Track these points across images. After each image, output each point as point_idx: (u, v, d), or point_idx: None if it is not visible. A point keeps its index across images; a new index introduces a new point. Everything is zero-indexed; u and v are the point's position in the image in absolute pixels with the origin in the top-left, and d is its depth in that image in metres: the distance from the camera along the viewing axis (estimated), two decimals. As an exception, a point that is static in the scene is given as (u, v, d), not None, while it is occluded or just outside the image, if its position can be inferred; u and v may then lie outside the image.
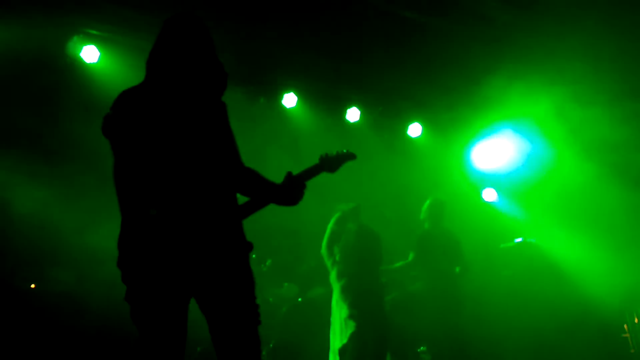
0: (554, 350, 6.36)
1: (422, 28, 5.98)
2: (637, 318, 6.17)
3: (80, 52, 5.51)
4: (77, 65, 5.59)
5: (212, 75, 2.50)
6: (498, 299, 7.01)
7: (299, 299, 6.27)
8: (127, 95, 2.43)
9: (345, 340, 5.04)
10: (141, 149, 2.32)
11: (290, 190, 2.62)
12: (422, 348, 6.48)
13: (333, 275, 5.31)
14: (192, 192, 2.32)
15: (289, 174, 2.66)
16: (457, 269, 5.84)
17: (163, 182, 2.30)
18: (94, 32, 5.60)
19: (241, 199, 2.60)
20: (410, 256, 5.90)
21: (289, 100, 6.62)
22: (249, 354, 2.36)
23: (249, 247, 2.46)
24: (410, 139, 7.70)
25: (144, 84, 2.51)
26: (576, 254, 6.75)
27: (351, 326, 5.05)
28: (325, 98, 6.94)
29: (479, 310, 6.87)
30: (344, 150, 2.94)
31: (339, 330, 5.16)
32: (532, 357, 6.44)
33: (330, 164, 2.88)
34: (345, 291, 5.16)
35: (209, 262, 2.32)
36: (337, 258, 5.30)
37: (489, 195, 8.07)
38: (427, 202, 6.12)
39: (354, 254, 5.25)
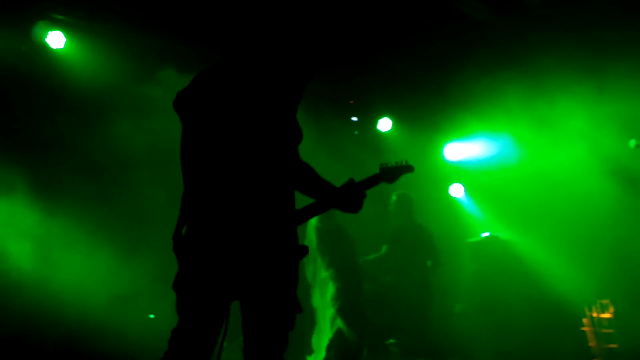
0: (518, 343, 6.49)
1: (394, 24, 5.98)
2: (597, 312, 6.33)
3: (45, 37, 5.36)
4: (43, 51, 5.44)
5: (297, 63, 2.43)
6: (465, 293, 7.12)
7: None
8: (207, 73, 2.35)
9: (331, 335, 5.09)
10: (212, 133, 2.25)
11: (353, 198, 2.61)
12: (391, 340, 6.55)
13: (325, 274, 5.32)
14: (256, 190, 2.28)
15: (351, 181, 2.65)
16: (429, 263, 5.91)
17: (228, 175, 2.26)
18: (60, 17, 5.45)
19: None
20: (383, 249, 5.95)
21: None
22: (274, 355, 2.41)
23: (304, 252, 2.45)
24: (380, 134, 7.73)
25: (227, 61, 2.41)
26: (542, 248, 6.88)
27: (338, 324, 5.13)
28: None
29: (448, 303, 6.98)
30: (403, 162, 2.94)
31: (325, 328, 5.20)
32: (498, 349, 6.57)
33: (390, 174, 2.88)
34: (339, 292, 5.21)
35: (261, 266, 2.31)
36: (329, 258, 5.34)
37: (456, 190, 8.17)
38: (394, 198, 6.17)
39: (347, 255, 5.32)
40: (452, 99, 7.11)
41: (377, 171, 2.88)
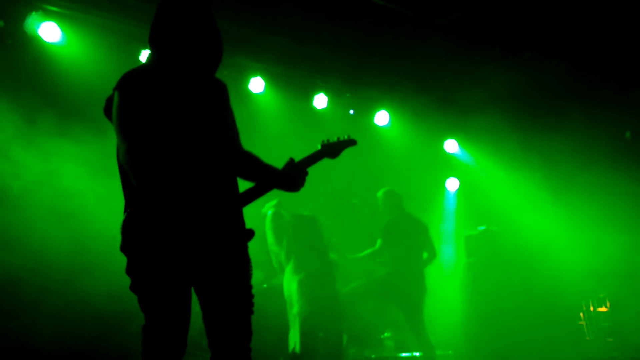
0: (514, 336, 6.49)
1: (390, 16, 5.94)
2: (593, 306, 6.34)
3: (38, 29, 5.25)
4: (36, 44, 5.38)
5: (208, 48, 2.47)
6: (461, 286, 7.12)
7: (264, 285, 6.26)
8: (131, 76, 2.40)
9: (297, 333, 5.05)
10: (146, 132, 2.30)
11: (293, 177, 2.60)
12: (386, 334, 6.54)
13: (290, 267, 5.28)
14: (196, 179, 2.34)
15: (291, 160, 2.64)
16: (425, 255, 5.90)
17: (168, 168, 2.30)
18: (55, 8, 5.38)
19: (242, 185, 2.58)
20: (378, 243, 5.93)
21: (256, 85, 6.53)
22: (239, 343, 2.41)
23: (250, 235, 2.47)
24: (376, 127, 7.71)
25: (147, 63, 2.49)
26: (539, 241, 6.88)
27: (299, 322, 5.01)
28: (293, 84, 6.88)
29: (444, 296, 6.98)
30: (345, 136, 2.87)
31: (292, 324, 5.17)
32: (492, 342, 6.56)
33: (331, 150, 2.81)
34: (302, 284, 5.11)
35: (209, 251, 2.34)
36: (290, 250, 5.29)
37: (452, 184, 8.17)
38: (379, 196, 6.14)
39: (303, 244, 5.24)
40: (452, 93, 7.08)
41: (319, 147, 2.79)
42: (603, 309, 6.31)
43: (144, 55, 5.68)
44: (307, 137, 6.06)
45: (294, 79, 6.87)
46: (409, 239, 5.81)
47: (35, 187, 5.21)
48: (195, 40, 2.43)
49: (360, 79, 7.19)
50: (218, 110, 2.50)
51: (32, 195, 5.18)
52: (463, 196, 8.10)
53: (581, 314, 6.39)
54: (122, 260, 2.39)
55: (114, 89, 2.39)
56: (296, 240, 5.27)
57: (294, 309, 5.11)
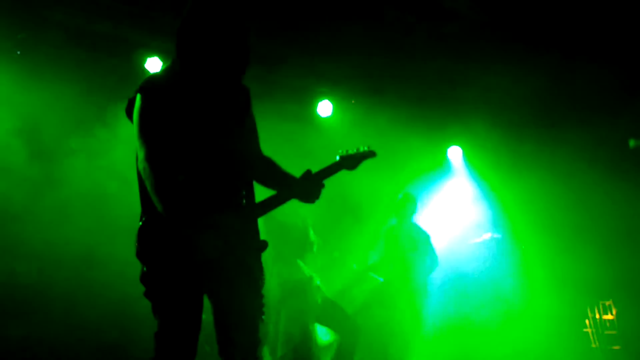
0: (518, 344, 6.47)
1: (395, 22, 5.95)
2: (599, 313, 6.32)
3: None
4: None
5: (236, 59, 2.42)
6: (466, 293, 7.10)
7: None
8: (154, 80, 2.41)
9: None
10: (165, 139, 2.31)
11: (309, 188, 2.59)
12: (390, 341, 6.51)
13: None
14: (214, 188, 2.36)
15: (308, 172, 2.62)
16: (427, 261, 5.90)
17: (185, 176, 2.31)
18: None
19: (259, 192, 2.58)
20: (382, 252, 5.94)
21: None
22: (246, 351, 2.43)
23: (264, 245, 2.48)
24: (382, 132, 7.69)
25: (170, 67, 2.47)
26: (545, 248, 6.86)
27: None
28: (294, 90, 6.87)
29: (448, 302, 6.96)
30: (366, 148, 2.81)
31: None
32: (497, 349, 6.54)
33: (350, 161, 2.76)
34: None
35: (222, 260, 2.35)
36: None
37: (457, 190, 8.14)
38: (397, 197, 6.15)
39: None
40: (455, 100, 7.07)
41: (337, 159, 2.74)
42: (609, 317, 6.28)
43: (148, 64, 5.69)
44: (311, 145, 6.14)
45: (295, 85, 6.86)
46: (407, 246, 5.82)
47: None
48: (225, 51, 2.38)
49: (365, 85, 7.19)
50: (240, 116, 2.50)
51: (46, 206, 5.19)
52: (468, 203, 8.07)
53: (587, 322, 6.36)
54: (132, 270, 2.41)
55: (136, 91, 2.38)
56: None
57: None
